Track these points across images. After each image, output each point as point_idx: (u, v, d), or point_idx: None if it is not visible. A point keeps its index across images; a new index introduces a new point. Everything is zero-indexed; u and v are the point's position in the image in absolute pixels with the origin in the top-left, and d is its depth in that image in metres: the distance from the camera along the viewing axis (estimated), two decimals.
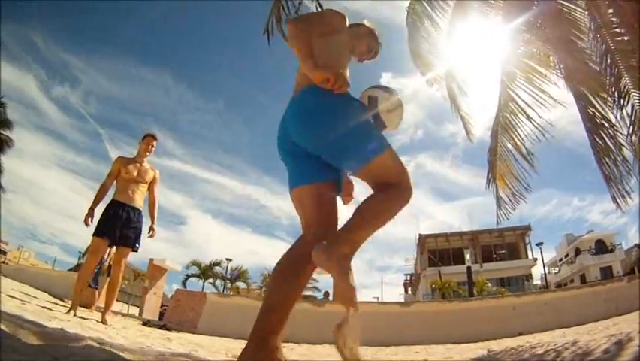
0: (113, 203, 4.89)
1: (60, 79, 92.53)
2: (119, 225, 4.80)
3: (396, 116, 2.18)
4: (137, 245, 4.96)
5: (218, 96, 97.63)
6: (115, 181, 5.00)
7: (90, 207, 4.77)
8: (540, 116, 4.63)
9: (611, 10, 4.11)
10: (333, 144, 1.80)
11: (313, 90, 1.86)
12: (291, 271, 1.78)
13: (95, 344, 1.92)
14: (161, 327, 6.94)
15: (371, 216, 1.71)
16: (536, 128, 4.67)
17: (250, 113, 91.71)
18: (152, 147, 5.23)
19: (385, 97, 2.15)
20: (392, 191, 1.75)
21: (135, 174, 5.02)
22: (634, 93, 4.49)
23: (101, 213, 4.80)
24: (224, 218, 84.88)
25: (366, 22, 2.40)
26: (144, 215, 5.09)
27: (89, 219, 4.71)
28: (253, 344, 1.71)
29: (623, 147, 4.18)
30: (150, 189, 5.17)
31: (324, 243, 1.58)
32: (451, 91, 5.32)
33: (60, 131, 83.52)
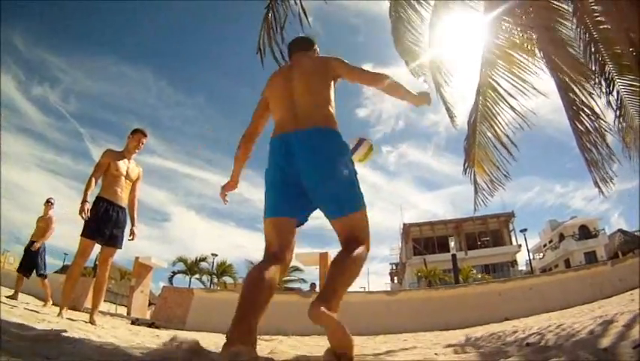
0: (103, 201, 4.76)
1: (39, 79, 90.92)
2: (109, 225, 4.71)
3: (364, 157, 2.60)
4: (121, 244, 4.89)
5: (199, 91, 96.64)
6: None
7: (83, 200, 4.56)
8: (522, 105, 4.68)
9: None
10: (331, 191, 2.06)
11: (338, 139, 2.19)
12: (264, 285, 1.89)
13: (85, 342, 1.90)
14: (149, 325, 6.91)
15: (349, 276, 1.94)
16: (517, 116, 4.72)
17: (231, 108, 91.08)
18: (142, 144, 5.08)
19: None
20: (360, 252, 1.99)
21: (125, 171, 4.90)
22: (618, 80, 4.57)
23: (90, 211, 4.60)
24: (207, 213, 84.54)
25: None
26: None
27: (85, 211, 4.52)
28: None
29: (605, 133, 4.24)
30: (133, 187, 5.05)
31: (317, 299, 1.73)
32: (436, 80, 5.34)
33: (40, 132, 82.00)
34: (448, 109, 5.44)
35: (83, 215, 4.53)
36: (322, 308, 1.64)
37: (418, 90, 2.55)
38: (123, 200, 4.91)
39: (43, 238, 7.59)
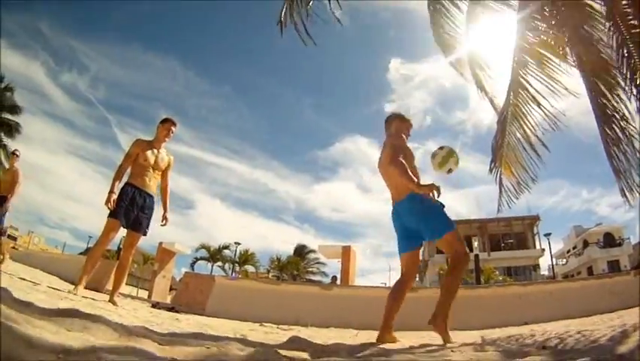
0: (131, 187, 4.88)
1: (68, 65, 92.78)
2: (136, 210, 4.84)
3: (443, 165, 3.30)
4: (147, 230, 5.01)
5: (225, 81, 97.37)
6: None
7: (110, 190, 4.73)
8: (552, 105, 4.60)
9: (625, 2, 4.06)
10: (427, 225, 3.16)
11: (415, 197, 3.11)
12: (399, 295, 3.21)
13: (106, 320, 1.96)
14: (169, 309, 7.03)
15: (453, 290, 3.09)
16: (547, 117, 4.64)
17: (257, 99, 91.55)
18: (172, 133, 5.17)
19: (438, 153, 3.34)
20: (456, 266, 3.13)
21: (153, 161, 5.00)
22: None
23: (117, 196, 4.77)
24: (232, 202, 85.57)
25: (397, 114, 3.68)
26: (156, 201, 5.11)
27: (111, 202, 4.68)
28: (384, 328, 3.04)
29: (634, 140, 4.14)
30: (164, 175, 5.15)
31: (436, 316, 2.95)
32: (476, 75, 5.28)
33: (68, 118, 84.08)
34: (492, 102, 5.35)
35: (109, 205, 4.68)
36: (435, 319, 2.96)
37: (430, 179, 3.18)
38: (151, 188, 5.02)
39: (14, 192, 7.22)
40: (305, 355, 1.67)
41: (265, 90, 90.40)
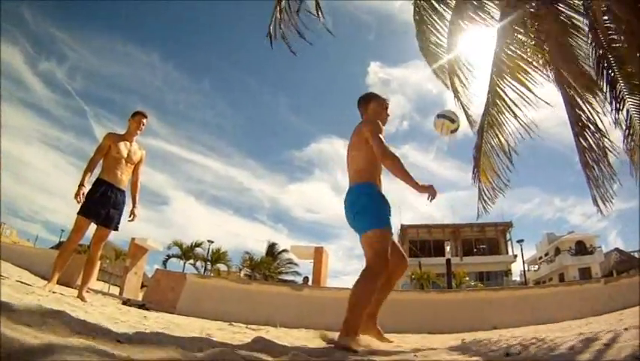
0: (102, 183, 4.81)
1: (47, 54, 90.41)
2: (107, 207, 4.77)
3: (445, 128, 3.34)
4: (118, 226, 4.95)
5: (204, 77, 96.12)
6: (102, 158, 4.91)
7: (80, 184, 4.66)
8: (526, 115, 4.68)
9: (606, 17, 4.15)
10: (359, 217, 3.00)
11: (361, 188, 3.07)
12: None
13: (69, 316, 1.92)
14: (140, 306, 6.93)
15: (357, 300, 2.76)
16: (522, 126, 4.72)
17: (235, 97, 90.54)
18: (143, 125, 5.13)
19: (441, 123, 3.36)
20: (364, 273, 2.81)
21: (125, 154, 4.94)
22: (629, 99, 4.56)
23: (88, 192, 4.70)
24: (206, 200, 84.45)
25: (373, 94, 3.46)
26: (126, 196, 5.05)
27: (81, 195, 4.61)
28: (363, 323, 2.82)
29: (608, 152, 4.24)
30: (135, 169, 5.10)
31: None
32: (454, 86, 5.36)
33: (45, 107, 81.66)
34: (466, 114, 5.44)
35: (78, 199, 4.60)
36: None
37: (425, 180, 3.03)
38: (123, 182, 4.96)
39: None
40: (265, 356, 1.65)
41: (243, 88, 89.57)
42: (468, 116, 5.42)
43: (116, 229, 4.94)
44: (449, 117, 3.36)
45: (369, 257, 2.84)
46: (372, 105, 3.39)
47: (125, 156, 4.94)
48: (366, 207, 2.97)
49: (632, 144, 4.75)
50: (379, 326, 3.19)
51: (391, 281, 3.11)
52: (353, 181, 3.13)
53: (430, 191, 2.91)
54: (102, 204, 4.73)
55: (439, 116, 3.37)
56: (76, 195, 4.60)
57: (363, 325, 2.81)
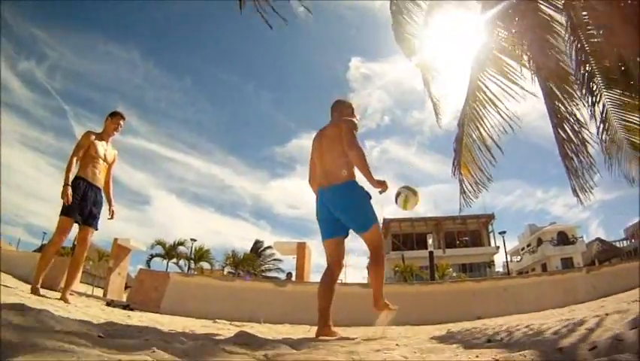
0: (82, 181, 4.77)
1: (27, 53, 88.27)
2: (89, 205, 4.75)
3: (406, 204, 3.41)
4: (97, 225, 4.93)
5: (186, 74, 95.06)
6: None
7: (65, 183, 4.58)
8: (507, 109, 4.73)
9: (585, 13, 4.20)
10: (356, 217, 3.17)
11: (350, 186, 3.19)
12: (329, 286, 3.13)
13: (52, 315, 1.89)
14: (124, 307, 6.86)
15: (381, 276, 3.19)
16: (503, 120, 4.76)
17: (215, 93, 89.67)
18: (120, 127, 5.14)
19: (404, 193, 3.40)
20: (377, 256, 3.17)
21: (102, 154, 4.94)
22: (605, 93, 4.62)
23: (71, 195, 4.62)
24: (188, 198, 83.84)
25: (350, 104, 3.64)
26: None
27: (69, 195, 4.53)
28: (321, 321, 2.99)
29: (587, 143, 4.29)
30: (109, 169, 5.10)
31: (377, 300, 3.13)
32: (425, 77, 5.39)
33: (24, 107, 79.92)
34: (435, 106, 5.48)
35: (66, 199, 4.54)
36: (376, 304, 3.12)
37: (380, 177, 3.16)
38: (100, 181, 4.95)
39: None
40: (246, 349, 1.64)
41: (224, 85, 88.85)
42: (437, 108, 5.47)
43: (96, 228, 4.91)
44: (408, 194, 3.43)
45: (375, 247, 3.16)
46: (348, 110, 3.57)
47: (102, 155, 4.95)
48: (360, 205, 3.17)
49: (607, 138, 4.83)
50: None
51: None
52: (334, 180, 3.19)
53: (383, 186, 3.10)
54: (84, 202, 4.71)
55: (400, 193, 3.43)
56: (63, 194, 4.54)
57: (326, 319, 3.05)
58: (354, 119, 3.42)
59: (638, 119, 4.67)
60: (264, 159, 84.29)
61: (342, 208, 3.14)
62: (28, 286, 4.69)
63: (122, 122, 5.13)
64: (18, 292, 4.06)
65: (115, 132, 5.11)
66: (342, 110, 3.55)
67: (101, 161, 4.92)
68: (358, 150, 3.11)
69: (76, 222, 4.70)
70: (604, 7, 3.69)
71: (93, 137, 4.93)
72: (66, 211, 4.59)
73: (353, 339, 2.55)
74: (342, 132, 3.22)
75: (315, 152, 3.44)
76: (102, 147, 4.96)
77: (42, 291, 4.69)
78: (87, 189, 4.77)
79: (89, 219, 4.78)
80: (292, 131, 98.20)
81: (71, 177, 4.70)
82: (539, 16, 4.39)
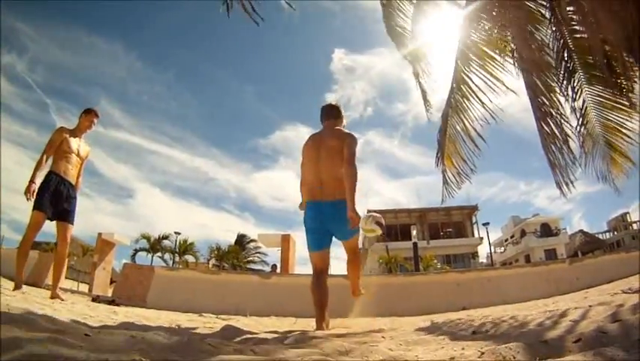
0: (54, 176, 4.74)
1: (8, 47, 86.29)
2: (60, 200, 4.72)
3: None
4: (73, 220, 4.92)
5: (169, 67, 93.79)
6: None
7: (31, 180, 4.57)
8: (491, 101, 4.76)
9: (570, 8, 4.23)
10: (345, 229, 3.21)
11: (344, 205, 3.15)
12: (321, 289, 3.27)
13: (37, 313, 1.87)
14: (110, 302, 6.81)
15: (358, 270, 3.78)
16: (487, 112, 4.79)
17: (199, 85, 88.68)
18: (94, 124, 5.16)
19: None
20: (357, 257, 3.74)
21: (76, 149, 4.93)
22: (586, 89, 4.68)
23: (40, 186, 4.63)
24: (172, 191, 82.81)
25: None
26: None
27: (31, 192, 4.52)
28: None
29: (569, 137, 4.34)
30: (81, 165, 5.08)
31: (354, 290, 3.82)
32: (415, 69, 5.41)
33: (5, 102, 78.37)
34: (424, 98, 5.50)
35: (28, 195, 4.52)
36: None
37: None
38: (73, 177, 4.94)
39: None
40: (231, 343, 1.65)
41: (207, 77, 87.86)
42: (426, 100, 5.50)
43: (72, 222, 4.90)
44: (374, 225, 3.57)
45: (356, 251, 3.70)
46: (342, 120, 3.74)
47: (76, 150, 4.95)
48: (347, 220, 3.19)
49: (585, 132, 4.90)
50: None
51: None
52: (338, 195, 3.27)
53: (355, 220, 3.13)
54: (56, 197, 4.69)
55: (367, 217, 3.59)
56: (27, 191, 4.52)
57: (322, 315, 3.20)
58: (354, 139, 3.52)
59: (615, 116, 4.75)
60: (248, 151, 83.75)
61: (345, 222, 3.15)
62: (12, 284, 4.64)
63: (95, 120, 5.15)
64: (3, 291, 4.02)
65: (88, 129, 5.12)
66: (341, 119, 3.73)
67: (74, 156, 4.92)
68: (355, 170, 3.24)
69: (48, 218, 4.68)
70: (590, 2, 3.72)
71: (66, 132, 4.92)
72: (38, 206, 4.56)
73: (342, 333, 2.56)
74: (345, 147, 3.33)
75: (309, 157, 3.51)
76: (75, 142, 4.95)
77: (26, 288, 4.65)
78: (59, 185, 4.75)
79: (63, 215, 4.78)
80: (276, 123, 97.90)
81: (41, 173, 4.71)
82: (524, 8, 4.41)
